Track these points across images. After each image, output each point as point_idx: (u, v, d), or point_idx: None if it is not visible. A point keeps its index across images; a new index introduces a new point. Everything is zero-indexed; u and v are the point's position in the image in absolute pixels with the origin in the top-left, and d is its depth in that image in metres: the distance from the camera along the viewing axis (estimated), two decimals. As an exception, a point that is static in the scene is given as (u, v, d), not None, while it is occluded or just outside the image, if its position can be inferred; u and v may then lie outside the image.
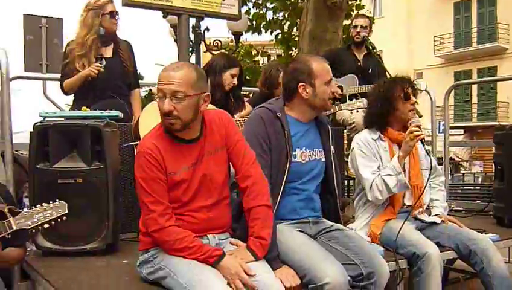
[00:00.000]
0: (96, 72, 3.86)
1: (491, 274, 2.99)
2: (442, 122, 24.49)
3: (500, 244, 3.67)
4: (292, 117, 2.80)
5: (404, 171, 3.14)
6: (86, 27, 3.96)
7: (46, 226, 2.41)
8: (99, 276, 2.61)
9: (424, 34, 27.71)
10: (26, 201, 3.54)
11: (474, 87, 27.14)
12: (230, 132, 2.49)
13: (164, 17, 4.99)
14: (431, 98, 5.09)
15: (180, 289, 2.17)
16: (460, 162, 21.79)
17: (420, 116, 4.14)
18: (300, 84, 2.74)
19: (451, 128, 22.96)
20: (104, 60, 3.94)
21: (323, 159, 2.87)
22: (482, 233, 3.42)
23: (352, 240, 2.66)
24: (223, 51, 8.16)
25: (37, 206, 2.42)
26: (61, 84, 4.06)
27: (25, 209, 2.41)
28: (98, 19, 3.98)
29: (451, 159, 22.63)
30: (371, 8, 30.33)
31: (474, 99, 27.26)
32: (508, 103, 25.92)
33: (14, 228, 2.35)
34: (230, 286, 2.16)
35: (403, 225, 2.98)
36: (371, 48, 5.00)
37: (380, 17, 29.67)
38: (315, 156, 2.83)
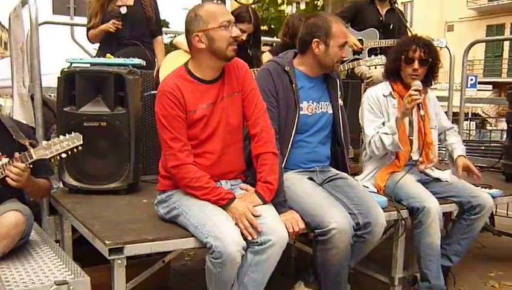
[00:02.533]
0: (114, 29, 4.00)
1: (472, 225, 3.27)
2: (470, 78, 24.22)
3: (504, 200, 3.82)
4: (300, 71, 2.91)
5: (413, 127, 3.28)
6: None
7: (64, 155, 2.61)
8: (121, 213, 2.82)
9: (457, -15, 26.93)
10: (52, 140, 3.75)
11: (506, 42, 26.47)
12: (246, 80, 2.63)
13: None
14: (450, 54, 5.11)
15: (192, 227, 2.38)
16: (487, 118, 21.60)
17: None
18: (315, 39, 2.83)
19: (480, 83, 22.67)
20: (125, 8, 4.04)
21: (330, 112, 2.99)
22: (487, 188, 3.56)
23: (354, 189, 2.82)
24: (246, 1, 8.14)
25: (55, 138, 2.63)
26: (87, 32, 4.23)
27: (44, 142, 2.63)
28: None
29: (478, 115, 22.46)
30: (403, -44, 29.49)
31: (505, 55, 26.62)
32: (540, 58, 25.31)
33: (34, 157, 2.56)
34: (238, 226, 2.35)
35: (402, 176, 3.14)
36: (394, 3, 5.00)
37: (412, -34, 28.90)
38: (321, 108, 2.96)
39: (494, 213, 5.42)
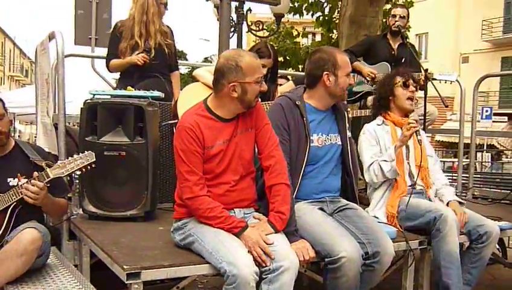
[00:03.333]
0: (143, 62, 4.11)
1: (481, 253, 3.33)
2: (485, 109, 24.16)
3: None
4: (310, 105, 3.05)
5: (409, 153, 3.49)
6: (145, 12, 4.14)
7: (78, 173, 2.82)
8: (138, 239, 2.93)
9: (472, 17, 27.02)
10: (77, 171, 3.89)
11: (522, 73, 26.47)
12: (259, 116, 2.77)
13: (207, 0, 5.26)
14: (461, 87, 5.21)
15: (206, 253, 2.48)
16: (504, 150, 21.48)
17: (446, 106, 4.34)
18: (325, 72, 2.98)
19: (495, 114, 22.63)
20: (152, 50, 4.17)
21: (339, 143, 3.11)
22: (496, 221, 3.62)
23: (363, 219, 2.91)
24: (262, 34, 8.32)
25: (69, 158, 2.82)
26: (107, 62, 4.32)
27: (59, 161, 2.80)
28: (155, 6, 4.18)
29: (493, 146, 22.35)
30: (419, -11, 29.77)
31: (521, 86, 26.60)
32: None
33: (51, 176, 2.76)
34: (252, 254, 2.44)
35: (410, 197, 3.27)
36: (405, 38, 5.14)
37: (427, -1, 29.11)
38: (331, 140, 3.08)
39: (507, 245, 5.45)
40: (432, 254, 3.27)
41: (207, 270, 2.51)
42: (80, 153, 2.81)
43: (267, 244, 2.47)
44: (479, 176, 7.82)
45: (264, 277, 2.43)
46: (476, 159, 19.40)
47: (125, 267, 2.34)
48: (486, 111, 23.35)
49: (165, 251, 2.69)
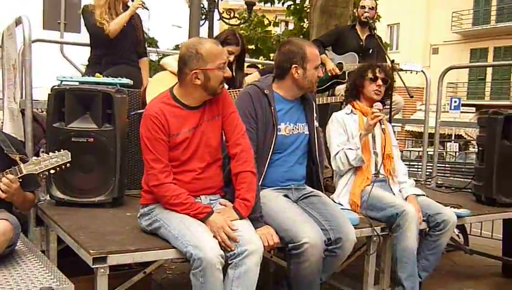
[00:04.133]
0: (142, 7, 4.19)
1: (438, 241, 3.47)
2: (454, 100, 24.60)
3: (472, 219, 4.02)
4: (279, 94, 3.10)
5: (375, 142, 3.60)
6: None
7: (52, 171, 2.79)
8: (105, 225, 2.96)
9: (443, 9, 27.43)
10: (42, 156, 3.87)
11: (490, 65, 27.04)
12: (226, 104, 2.81)
13: (178, -13, 5.25)
14: (426, 78, 5.34)
15: (172, 238, 2.53)
16: (471, 140, 21.95)
17: (411, 96, 4.45)
18: (293, 65, 3.03)
19: (463, 105, 23.05)
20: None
21: (306, 132, 3.18)
22: (456, 208, 3.76)
23: (327, 206, 3.00)
24: (234, 21, 8.34)
25: (44, 154, 2.79)
26: (102, 31, 4.13)
27: (34, 157, 2.79)
28: None
29: (461, 137, 22.83)
30: (390, -21, 30.01)
31: (489, 78, 27.12)
32: (522, 83, 25.82)
33: (24, 172, 2.74)
34: (217, 239, 2.50)
35: (371, 188, 3.39)
36: (373, 29, 5.22)
37: (399, -10, 29.40)
38: (298, 129, 3.14)
39: (468, 233, 5.63)
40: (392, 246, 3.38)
41: (173, 254, 2.56)
42: (56, 151, 2.79)
43: (232, 230, 2.53)
44: (443, 165, 8.06)
45: (230, 262, 2.49)
46: (445, 149, 19.85)
47: (91, 251, 2.37)
48: (455, 102, 23.75)
49: (132, 236, 2.72)
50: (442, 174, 6.30)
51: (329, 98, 4.75)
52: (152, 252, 2.54)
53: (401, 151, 18.87)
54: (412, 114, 24.21)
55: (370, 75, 3.71)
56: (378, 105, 3.57)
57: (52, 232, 3.19)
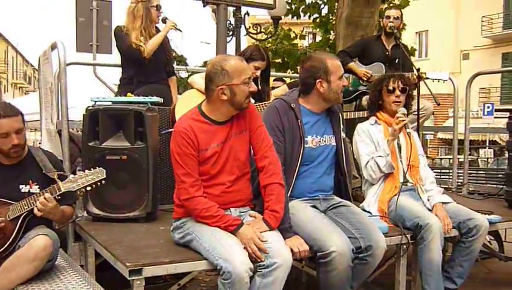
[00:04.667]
0: (174, 27, 4.36)
1: (471, 247, 3.45)
2: (487, 105, 24.18)
3: (504, 225, 4.00)
4: (305, 108, 3.18)
5: (401, 151, 3.62)
6: (139, 17, 4.30)
7: (89, 188, 2.92)
8: (140, 238, 3.07)
9: (472, 14, 27.07)
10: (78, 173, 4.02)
11: (524, 69, 26.44)
12: (253, 118, 2.90)
13: (204, 6, 5.40)
14: (454, 86, 5.33)
15: (204, 251, 2.62)
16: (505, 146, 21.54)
17: (438, 104, 4.47)
18: (317, 80, 3.11)
19: (497, 110, 22.64)
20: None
21: (333, 144, 3.24)
22: (487, 215, 3.74)
23: (356, 215, 3.05)
24: (261, 36, 8.43)
25: (81, 172, 2.92)
26: (139, 52, 4.25)
27: (71, 175, 2.93)
28: (146, 10, 4.32)
29: (496, 142, 22.40)
30: (417, -14, 29.80)
31: (523, 82, 26.61)
32: (557, 86, 25.21)
33: (62, 190, 2.88)
34: (247, 250, 2.58)
35: (397, 198, 3.42)
36: (398, 39, 5.25)
37: (427, -4, 29.14)
38: (325, 141, 3.21)
39: (503, 240, 5.55)
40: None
41: (205, 266, 2.65)
42: (92, 169, 2.93)
43: (262, 241, 2.60)
44: (476, 172, 7.94)
45: (259, 270, 2.57)
46: (478, 156, 19.50)
47: (127, 264, 2.47)
48: (488, 107, 23.31)
49: (165, 248, 2.82)
50: (475, 181, 6.23)
51: (355, 112, 4.79)
52: (185, 263, 2.63)
53: (433, 159, 18.71)
54: (444, 121, 23.91)
55: (386, 88, 3.76)
56: (403, 110, 3.63)
57: (90, 247, 3.32)
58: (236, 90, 2.72)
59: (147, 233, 3.23)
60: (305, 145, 3.11)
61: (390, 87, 3.74)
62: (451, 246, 3.95)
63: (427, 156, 4.14)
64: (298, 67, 11.89)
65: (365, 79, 5.13)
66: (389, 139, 3.58)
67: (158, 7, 4.42)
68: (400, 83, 3.75)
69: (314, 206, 3.10)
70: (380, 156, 3.54)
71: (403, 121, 3.52)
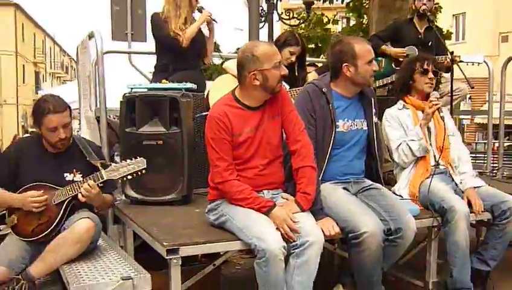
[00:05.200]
0: (210, 19, 4.40)
1: (505, 229, 3.46)
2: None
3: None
4: (337, 92, 3.21)
5: (430, 134, 3.61)
6: (180, 6, 4.30)
7: (130, 177, 3.04)
8: (176, 220, 3.18)
9: (511, -4, 26.36)
10: (117, 159, 4.16)
11: None
12: (285, 103, 2.96)
13: (236, -8, 5.40)
14: (489, 69, 5.27)
15: (238, 231, 2.71)
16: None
17: (472, 87, 4.43)
18: (344, 64, 3.14)
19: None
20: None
21: (365, 128, 3.27)
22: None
23: (386, 198, 3.08)
24: (293, 22, 8.43)
25: (122, 161, 3.04)
26: (177, 42, 4.25)
27: (113, 164, 3.05)
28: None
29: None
30: (455, -32, 29.09)
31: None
32: None
33: (105, 178, 3.01)
34: (279, 231, 2.65)
35: (430, 182, 3.41)
36: (431, 21, 5.20)
37: (465, -22, 28.48)
38: (357, 125, 3.23)
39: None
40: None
41: (239, 246, 2.74)
42: (133, 159, 3.03)
43: (294, 222, 2.67)
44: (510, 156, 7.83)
45: (292, 252, 2.64)
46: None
47: (165, 243, 2.58)
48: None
49: (201, 230, 2.92)
50: (511, 166, 6.14)
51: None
52: (219, 243, 2.73)
53: (470, 144, 18.35)
54: (481, 106, 23.40)
55: (420, 69, 3.73)
56: (436, 94, 3.63)
57: (129, 229, 3.45)
58: (268, 74, 2.78)
59: (182, 215, 3.34)
60: (337, 130, 3.15)
61: (423, 69, 3.71)
62: (485, 230, 3.93)
63: (464, 141, 4.09)
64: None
65: (401, 59, 5.08)
66: (421, 122, 3.57)
67: None
68: (431, 65, 3.73)
69: (345, 189, 3.14)
70: (412, 139, 3.54)
71: (437, 104, 3.52)
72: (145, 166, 3.02)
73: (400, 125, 3.67)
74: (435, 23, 5.41)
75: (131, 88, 3.68)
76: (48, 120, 3.00)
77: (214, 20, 4.49)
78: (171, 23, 4.28)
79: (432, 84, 3.72)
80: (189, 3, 4.37)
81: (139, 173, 3.03)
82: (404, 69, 3.91)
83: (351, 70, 3.13)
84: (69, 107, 3.11)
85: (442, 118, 3.59)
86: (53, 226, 3.02)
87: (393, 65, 5.14)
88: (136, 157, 3.03)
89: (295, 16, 9.12)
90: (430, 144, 3.60)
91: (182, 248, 2.59)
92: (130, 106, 3.60)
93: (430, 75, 3.71)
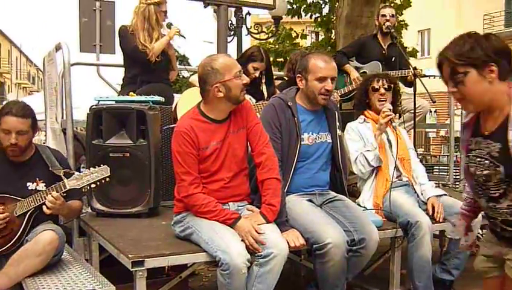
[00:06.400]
0: (178, 31, 4.42)
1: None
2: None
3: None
4: (302, 106, 3.28)
5: (391, 146, 3.71)
6: (148, 19, 4.35)
7: (93, 186, 3.04)
8: (142, 233, 3.18)
9: (473, 12, 27.12)
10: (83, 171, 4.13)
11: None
12: (250, 116, 3.02)
13: (205, 7, 5.49)
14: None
15: (203, 243, 2.73)
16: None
17: (434, 102, 4.57)
18: (297, 75, 3.25)
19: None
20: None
21: (329, 141, 3.34)
22: (480, 209, 3.82)
23: (350, 209, 3.16)
24: (262, 36, 8.50)
25: (86, 170, 3.03)
26: (145, 55, 4.29)
27: (76, 173, 3.04)
28: (155, 14, 4.38)
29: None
30: (420, -15, 29.85)
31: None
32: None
33: (68, 187, 2.99)
34: (244, 242, 2.68)
35: (390, 194, 3.50)
36: (394, 37, 5.34)
37: (429, -6, 29.22)
38: (321, 138, 3.31)
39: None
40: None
41: (204, 258, 2.75)
42: (96, 167, 3.03)
43: (259, 233, 2.70)
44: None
45: (256, 260, 2.68)
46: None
47: (130, 256, 2.58)
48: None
49: (167, 242, 2.93)
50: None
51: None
52: (185, 255, 2.75)
53: (436, 157, 18.71)
54: (446, 119, 23.95)
55: (372, 86, 3.90)
56: (388, 106, 3.76)
57: (94, 242, 3.43)
58: (230, 85, 2.82)
59: (149, 228, 3.34)
60: (302, 143, 3.22)
61: (375, 86, 3.87)
62: (448, 240, 4.03)
63: (430, 154, 4.19)
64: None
65: (354, 84, 5.19)
66: (376, 133, 3.70)
67: (166, 12, 4.52)
68: (384, 81, 3.88)
69: (310, 201, 3.20)
70: (368, 150, 3.64)
71: (389, 115, 3.63)
72: (108, 174, 3.02)
73: (360, 138, 3.78)
74: (400, 39, 5.55)
75: (98, 100, 3.67)
76: (4, 120, 2.98)
77: (182, 36, 4.52)
78: (138, 36, 4.31)
79: (384, 100, 3.85)
80: (156, 20, 4.40)
81: (103, 181, 3.03)
82: (360, 88, 4.11)
83: (302, 82, 3.22)
84: (33, 118, 3.08)
85: (395, 128, 3.73)
86: (15, 238, 2.99)
87: (346, 83, 5.23)
88: (99, 166, 3.03)
89: (264, 30, 9.22)
90: (392, 155, 3.69)
91: (147, 260, 2.60)
92: (97, 118, 3.59)
93: (382, 91, 3.86)
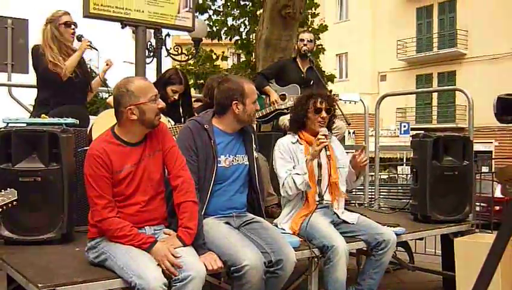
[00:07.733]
0: (89, 46, 4.33)
1: (381, 259, 3.63)
2: (403, 124, 25.35)
3: (408, 236, 4.27)
4: (218, 128, 3.31)
5: (321, 168, 3.67)
6: (51, 38, 4.26)
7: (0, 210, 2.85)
8: (54, 260, 3.04)
9: (387, 38, 28.55)
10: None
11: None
12: (166, 139, 3.00)
13: (122, 28, 5.42)
14: (364, 106, 5.66)
15: (118, 269, 2.66)
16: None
17: (349, 124, 4.73)
18: (234, 102, 3.25)
19: (413, 129, 23.86)
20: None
21: (246, 163, 3.37)
22: (392, 227, 3.99)
23: (268, 231, 3.19)
24: (182, 57, 8.48)
25: None
26: (56, 75, 4.21)
27: None
28: (56, 30, 4.29)
29: (408, 159, 23.71)
30: (337, 11, 31.11)
31: (435, 102, 28.17)
32: (465, 106, 26.81)
33: None
34: (161, 267, 2.64)
35: (310, 216, 3.55)
36: (312, 62, 5.51)
37: (345, 21, 30.57)
38: (238, 161, 3.34)
39: (413, 251, 5.90)
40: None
41: (119, 284, 2.67)
42: (2, 190, 2.88)
43: (176, 257, 2.67)
44: (390, 188, 8.43)
45: (174, 285, 2.64)
46: (397, 173, 20.42)
47: (39, 285, 2.46)
48: (405, 126, 24.63)
49: (80, 269, 2.83)
50: (394, 197, 6.55)
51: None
52: (99, 283, 2.64)
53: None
54: (363, 140, 24.86)
55: (313, 107, 3.78)
56: (324, 130, 3.63)
57: (1, 271, 3.23)
58: (144, 108, 2.80)
59: (61, 254, 3.21)
60: (218, 165, 3.23)
61: (318, 107, 3.77)
62: (364, 258, 4.15)
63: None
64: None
65: (272, 107, 5.30)
66: (307, 158, 3.61)
67: (68, 24, 4.36)
68: (324, 103, 3.79)
69: (227, 223, 3.21)
70: (297, 173, 3.59)
71: (324, 142, 3.55)
72: (16, 197, 2.86)
73: (291, 158, 3.73)
74: (319, 63, 5.74)
75: (7, 123, 3.52)
76: None
77: (94, 48, 4.43)
78: (47, 56, 4.19)
79: (324, 122, 3.78)
80: (59, 34, 4.30)
81: (10, 205, 2.87)
82: (298, 106, 3.91)
83: (239, 108, 3.24)
84: None
85: (329, 157, 3.65)
86: None
87: (264, 104, 5.33)
88: (6, 189, 2.88)
89: (184, 51, 9.20)
90: (319, 179, 3.67)
91: (57, 289, 2.49)
92: (6, 141, 3.42)
93: (323, 114, 3.78)
